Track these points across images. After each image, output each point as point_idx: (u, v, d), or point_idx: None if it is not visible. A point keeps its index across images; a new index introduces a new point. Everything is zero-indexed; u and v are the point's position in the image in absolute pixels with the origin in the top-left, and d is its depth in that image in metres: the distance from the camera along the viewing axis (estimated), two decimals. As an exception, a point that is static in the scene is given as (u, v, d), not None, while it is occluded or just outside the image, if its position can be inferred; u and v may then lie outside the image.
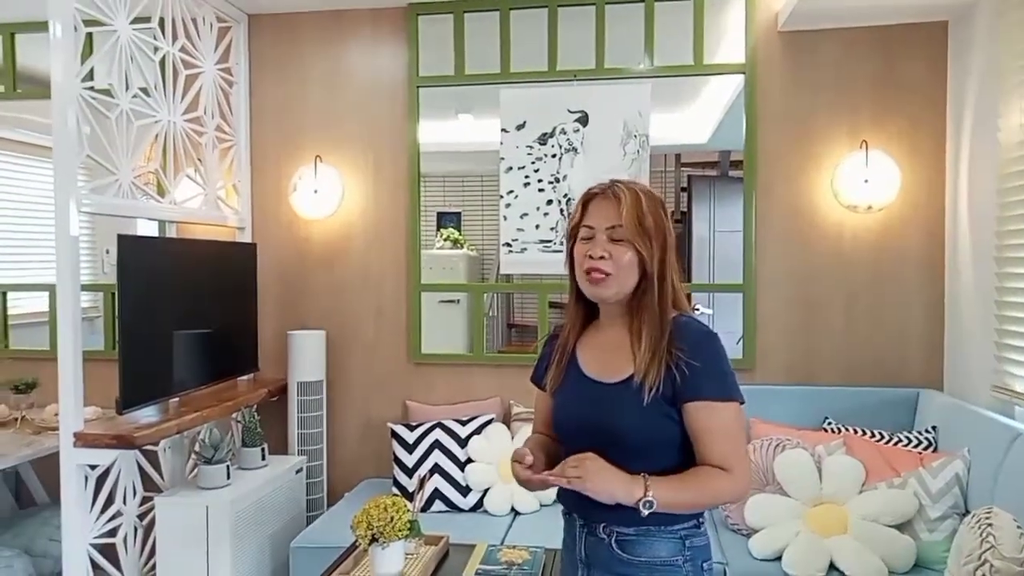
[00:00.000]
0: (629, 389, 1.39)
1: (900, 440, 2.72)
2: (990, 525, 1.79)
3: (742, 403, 1.39)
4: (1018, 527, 1.77)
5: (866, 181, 2.94)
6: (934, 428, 2.72)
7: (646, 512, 1.29)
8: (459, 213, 3.76)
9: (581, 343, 1.52)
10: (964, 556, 1.81)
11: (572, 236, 1.48)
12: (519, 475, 1.40)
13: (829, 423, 2.89)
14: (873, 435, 2.76)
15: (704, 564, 1.43)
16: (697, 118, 3.51)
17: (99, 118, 2.55)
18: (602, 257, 1.40)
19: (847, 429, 2.82)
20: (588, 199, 1.46)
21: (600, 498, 1.30)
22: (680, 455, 1.39)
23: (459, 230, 3.70)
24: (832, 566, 2.37)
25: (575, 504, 1.46)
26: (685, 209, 3.48)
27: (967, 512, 2.31)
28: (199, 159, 3.11)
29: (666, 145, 3.42)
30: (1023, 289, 2.43)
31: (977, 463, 2.38)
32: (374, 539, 1.91)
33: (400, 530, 1.91)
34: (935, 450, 2.65)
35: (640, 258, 1.40)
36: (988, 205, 2.63)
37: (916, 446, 2.68)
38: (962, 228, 2.87)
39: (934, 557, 2.34)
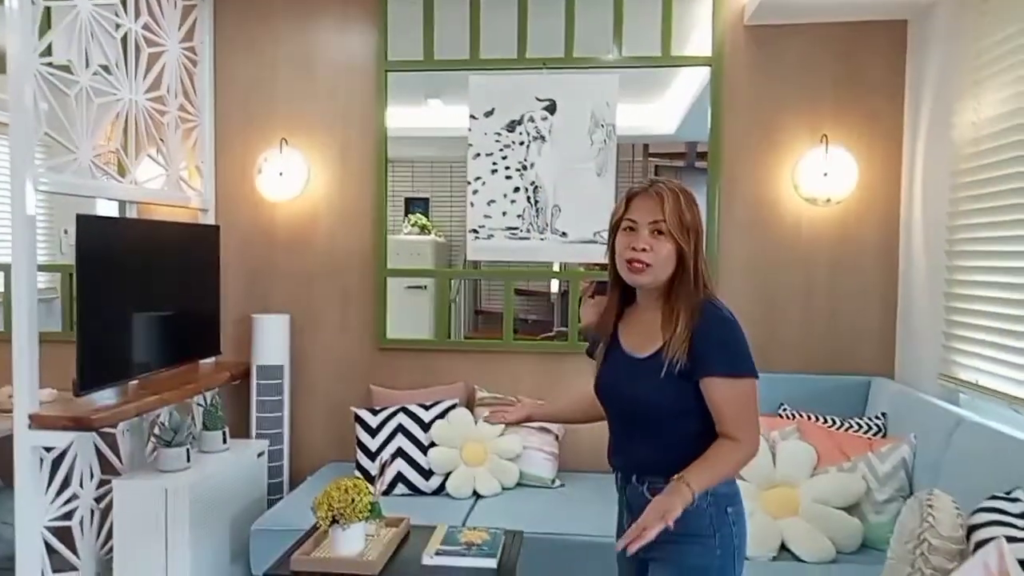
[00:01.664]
0: (654, 363, 1.58)
1: (851, 426, 2.80)
2: (930, 506, 1.86)
3: (756, 378, 1.57)
4: (956, 508, 1.85)
5: (825, 174, 3.01)
6: (884, 415, 2.81)
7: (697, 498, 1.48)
8: (427, 199, 3.77)
9: (622, 323, 1.72)
10: (905, 535, 1.88)
11: (614, 229, 1.65)
12: (506, 419, 1.80)
13: (784, 409, 2.97)
14: (826, 421, 2.85)
15: (729, 509, 1.60)
16: (665, 109, 3.55)
17: (57, 95, 2.49)
18: (644, 249, 1.57)
19: (801, 415, 2.90)
20: (631, 196, 1.63)
21: (679, 511, 1.43)
22: (698, 423, 1.57)
23: (427, 216, 3.71)
24: (783, 546, 2.45)
25: (618, 460, 1.70)
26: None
27: (912, 495, 2.39)
28: (161, 139, 3.06)
29: (634, 135, 3.46)
30: (971, 282, 2.52)
31: (923, 448, 2.46)
32: (335, 520, 1.93)
33: (361, 512, 1.93)
34: (884, 435, 2.74)
35: (678, 250, 1.57)
36: (941, 201, 2.71)
37: (866, 432, 2.77)
38: (916, 223, 2.96)
39: (880, 537, 2.42)
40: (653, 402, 1.59)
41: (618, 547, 1.42)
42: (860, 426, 2.80)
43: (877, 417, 2.82)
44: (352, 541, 1.96)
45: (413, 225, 3.73)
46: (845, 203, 3.08)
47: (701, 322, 1.55)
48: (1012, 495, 1.83)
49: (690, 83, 3.31)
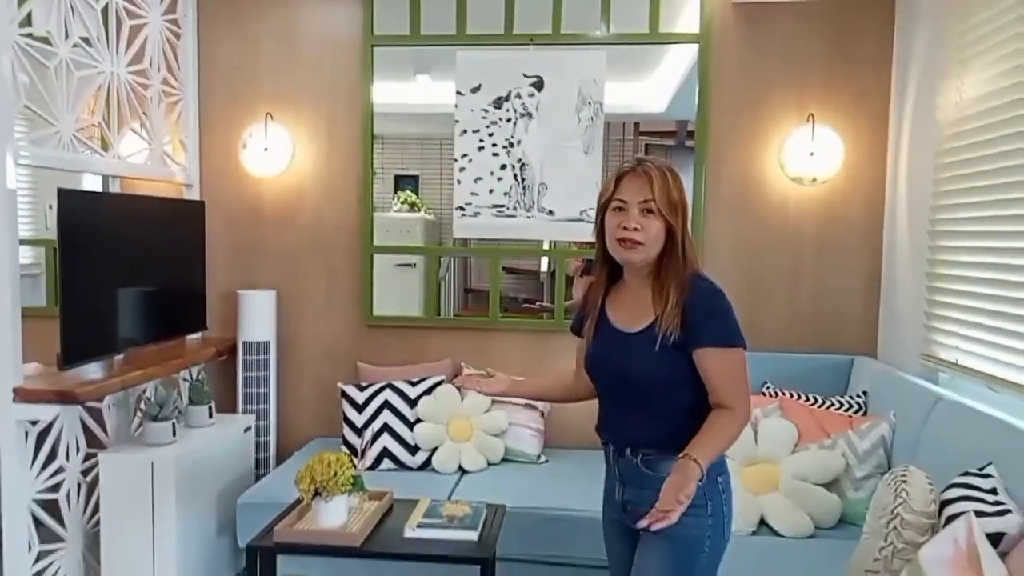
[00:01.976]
0: (647, 337, 1.62)
1: (833, 404, 2.83)
2: (904, 482, 1.89)
3: (745, 347, 1.62)
4: (929, 484, 1.88)
5: (812, 154, 3.01)
6: (865, 393, 2.84)
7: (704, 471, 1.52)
8: (417, 176, 3.74)
9: (609, 299, 1.75)
10: (879, 511, 1.91)
11: (603, 208, 1.67)
12: (480, 389, 1.86)
13: (768, 387, 3.00)
14: (808, 399, 2.88)
15: (719, 478, 1.67)
16: (655, 87, 3.53)
17: (37, 67, 2.46)
18: (635, 228, 1.60)
19: (784, 393, 2.93)
20: (620, 176, 1.66)
21: (693, 489, 1.47)
22: (692, 394, 1.63)
23: (416, 193, 3.69)
24: (763, 522, 2.49)
25: (611, 434, 1.74)
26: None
27: (889, 471, 2.43)
28: (144, 113, 3.03)
29: (624, 113, 3.44)
30: (953, 262, 2.54)
31: (902, 426, 2.49)
32: (317, 493, 1.95)
33: (343, 485, 1.95)
34: (865, 413, 2.78)
35: (668, 228, 1.62)
36: (925, 181, 2.72)
37: (848, 410, 2.80)
38: (900, 203, 2.97)
39: (858, 513, 2.45)
40: (648, 375, 1.64)
41: (640, 526, 1.45)
42: (841, 404, 2.83)
43: (858, 395, 2.85)
44: (335, 513, 1.98)
45: (403, 203, 3.70)
46: (831, 183, 3.08)
47: (692, 295, 1.60)
48: (984, 471, 1.86)
49: (680, 61, 3.29)
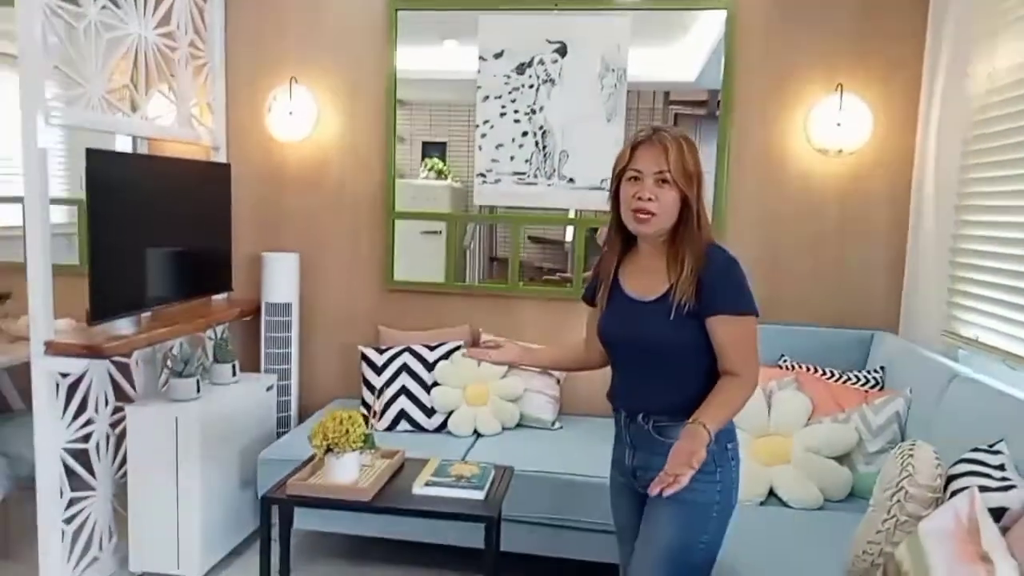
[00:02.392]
0: (662, 305, 1.64)
1: (850, 378, 2.81)
2: (911, 456, 1.88)
3: (757, 316, 1.65)
4: (936, 459, 1.87)
5: (839, 125, 2.95)
6: (882, 368, 2.81)
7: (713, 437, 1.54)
8: (445, 143, 3.74)
9: (622, 268, 1.76)
10: (885, 483, 1.91)
11: (618, 177, 1.68)
12: (488, 358, 1.87)
13: (785, 360, 2.98)
14: (824, 373, 2.86)
15: (728, 445, 1.70)
16: (686, 55, 3.46)
17: (67, 29, 2.51)
18: (650, 199, 1.61)
19: (801, 367, 2.91)
20: (635, 145, 1.66)
21: (703, 454, 1.49)
22: (705, 361, 1.65)
23: (444, 161, 3.69)
24: (772, 492, 2.50)
25: (623, 401, 1.76)
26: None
27: (902, 447, 2.42)
28: (172, 75, 3.08)
29: (654, 82, 3.39)
30: (977, 237, 2.49)
31: (917, 401, 2.47)
32: (329, 449, 2.00)
33: (354, 442, 2.00)
34: (881, 388, 2.75)
35: (683, 198, 1.62)
36: (953, 155, 2.66)
37: (864, 384, 2.78)
38: (928, 176, 2.90)
39: (868, 487, 2.43)
40: (662, 343, 1.66)
41: (651, 491, 1.48)
42: (858, 379, 2.81)
43: (876, 371, 2.82)
44: (346, 469, 2.04)
45: (430, 170, 3.71)
46: (858, 155, 3.02)
47: (707, 264, 1.62)
48: (994, 448, 1.85)
49: (711, 28, 3.21)
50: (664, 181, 1.61)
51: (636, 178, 1.64)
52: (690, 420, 1.54)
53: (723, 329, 1.62)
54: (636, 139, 1.67)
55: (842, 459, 2.53)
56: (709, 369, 1.66)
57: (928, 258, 2.87)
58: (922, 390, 2.46)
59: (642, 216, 1.63)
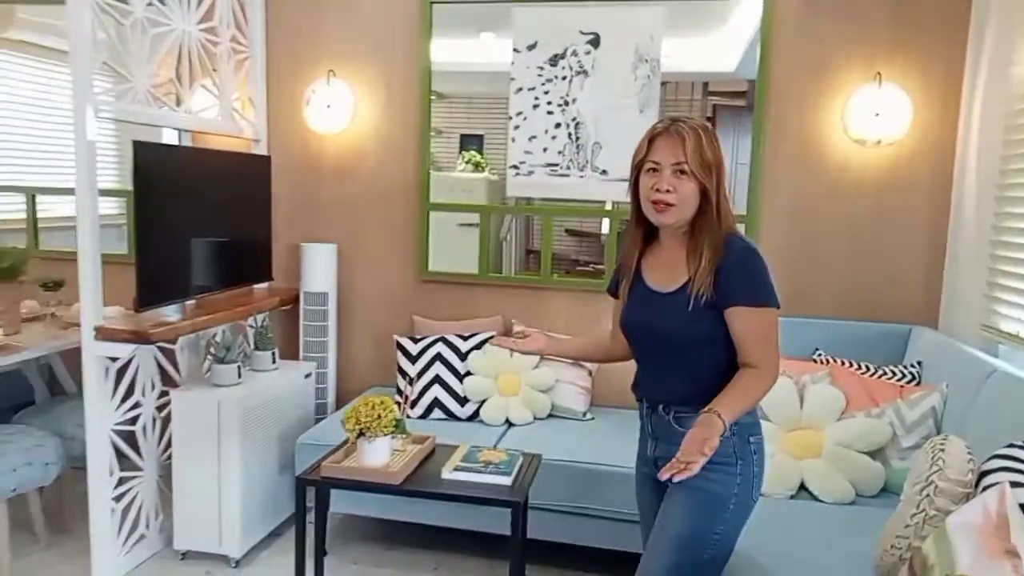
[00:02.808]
0: (681, 297, 1.65)
1: (885, 373, 2.77)
2: (942, 450, 1.86)
3: (778, 308, 1.62)
4: (969, 454, 1.84)
5: (877, 115, 2.90)
6: (919, 363, 2.77)
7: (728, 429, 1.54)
8: (482, 136, 3.77)
9: (644, 260, 1.78)
10: (915, 477, 1.89)
11: (637, 168, 1.68)
12: (515, 347, 1.92)
13: (820, 354, 2.95)
14: (859, 367, 2.82)
15: (751, 438, 1.69)
16: (724, 45, 3.43)
17: (114, 25, 2.61)
18: (668, 191, 1.61)
19: (836, 361, 2.88)
20: (654, 136, 1.65)
21: (716, 443, 1.48)
22: (725, 353, 1.65)
23: (481, 153, 3.72)
24: (802, 486, 2.48)
25: (645, 391, 1.78)
26: (710, 139, 3.41)
27: (937, 442, 2.38)
28: (214, 70, 3.17)
29: (692, 72, 3.37)
30: (1019, 230, 2.43)
31: (953, 397, 2.43)
32: (361, 433, 2.06)
33: (386, 427, 2.05)
34: (918, 384, 2.71)
35: (702, 189, 1.61)
36: (996, 145, 2.59)
37: (900, 379, 2.74)
38: (970, 168, 2.84)
39: (901, 483, 2.40)
40: (682, 335, 1.66)
41: (661, 476, 1.47)
42: (894, 373, 2.77)
43: (912, 365, 2.78)
44: (378, 453, 2.10)
45: (467, 162, 3.74)
46: (896, 145, 2.97)
47: (726, 255, 1.61)
48: (1030, 444, 1.81)
49: (749, 17, 3.18)
50: (682, 172, 1.61)
51: (655, 169, 1.63)
52: (705, 409, 1.54)
53: (741, 320, 1.61)
54: (654, 130, 1.66)
55: (875, 454, 2.50)
56: (729, 361, 1.66)
57: (969, 251, 2.81)
58: (959, 385, 2.42)
59: (661, 207, 1.63)
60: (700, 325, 1.64)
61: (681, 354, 1.69)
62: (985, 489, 1.70)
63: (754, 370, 1.61)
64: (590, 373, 3.25)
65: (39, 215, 3.93)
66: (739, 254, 1.62)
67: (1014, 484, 1.63)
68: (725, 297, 1.61)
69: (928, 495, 1.80)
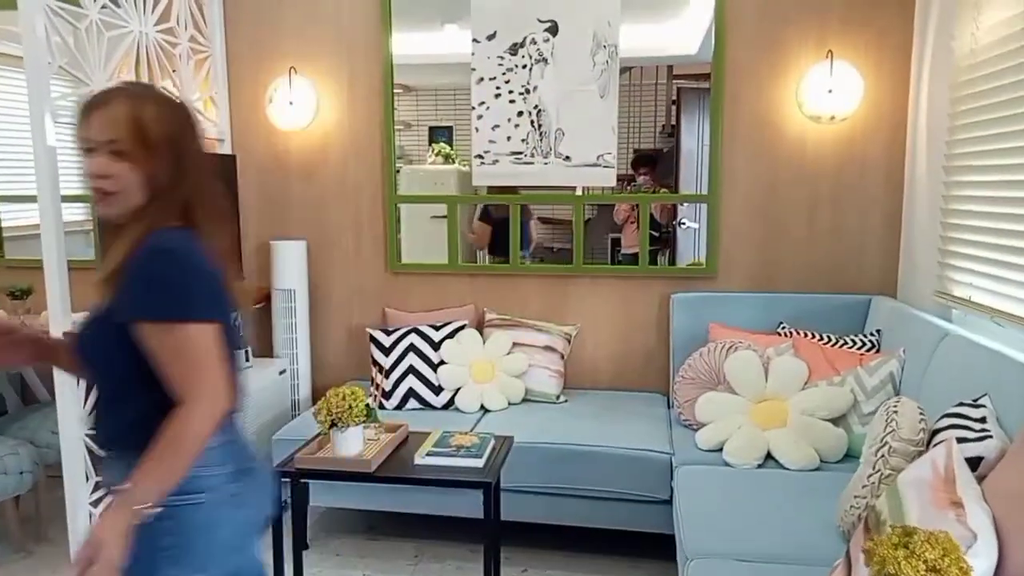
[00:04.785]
0: (105, 315, 1.32)
1: (846, 343, 2.85)
2: (896, 412, 1.94)
3: (203, 322, 1.27)
4: (920, 414, 1.92)
5: (830, 91, 2.96)
6: (878, 331, 2.85)
7: (153, 511, 1.22)
8: (451, 128, 3.78)
9: None
10: (871, 440, 1.97)
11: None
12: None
13: (783, 327, 3.03)
14: (822, 338, 2.90)
15: (166, 539, 1.29)
16: (685, 29, 3.47)
17: (68, 29, 2.60)
18: (104, 176, 1.30)
19: (799, 333, 2.96)
20: (87, 107, 1.33)
21: (122, 547, 1.17)
22: (154, 380, 1.27)
23: (451, 145, 3.73)
24: (769, 455, 2.56)
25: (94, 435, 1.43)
26: (675, 122, 3.43)
27: (896, 407, 2.46)
28: (174, 71, 3.16)
29: (656, 57, 3.40)
30: (966, 197, 2.51)
31: (911, 362, 2.51)
32: (334, 424, 2.09)
33: (357, 416, 2.08)
34: (877, 351, 2.79)
35: (149, 173, 1.31)
36: (942, 116, 2.67)
37: (860, 348, 2.82)
38: (920, 139, 2.92)
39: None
40: (96, 358, 1.35)
41: None
42: (855, 343, 2.85)
43: (872, 334, 2.86)
44: (351, 443, 2.13)
45: (437, 155, 3.76)
46: (850, 120, 3.04)
47: (135, 255, 1.27)
48: (978, 402, 1.89)
49: (709, 1, 3.23)
50: (119, 152, 1.28)
51: (90, 149, 1.29)
52: (115, 487, 1.25)
53: (148, 341, 1.26)
54: (87, 101, 1.32)
55: (838, 421, 2.58)
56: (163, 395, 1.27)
57: (922, 221, 2.89)
58: (915, 350, 2.50)
59: (99, 196, 1.30)
60: (119, 348, 1.28)
61: (114, 399, 1.35)
62: (936, 446, 1.77)
63: (176, 413, 1.23)
64: (562, 357, 3.30)
65: (4, 224, 3.90)
66: (143, 253, 1.26)
67: (961, 440, 1.70)
68: (120, 310, 1.27)
69: (883, 455, 1.87)
